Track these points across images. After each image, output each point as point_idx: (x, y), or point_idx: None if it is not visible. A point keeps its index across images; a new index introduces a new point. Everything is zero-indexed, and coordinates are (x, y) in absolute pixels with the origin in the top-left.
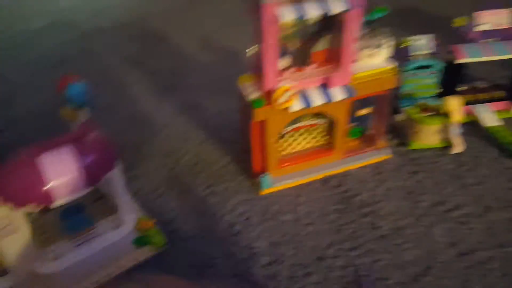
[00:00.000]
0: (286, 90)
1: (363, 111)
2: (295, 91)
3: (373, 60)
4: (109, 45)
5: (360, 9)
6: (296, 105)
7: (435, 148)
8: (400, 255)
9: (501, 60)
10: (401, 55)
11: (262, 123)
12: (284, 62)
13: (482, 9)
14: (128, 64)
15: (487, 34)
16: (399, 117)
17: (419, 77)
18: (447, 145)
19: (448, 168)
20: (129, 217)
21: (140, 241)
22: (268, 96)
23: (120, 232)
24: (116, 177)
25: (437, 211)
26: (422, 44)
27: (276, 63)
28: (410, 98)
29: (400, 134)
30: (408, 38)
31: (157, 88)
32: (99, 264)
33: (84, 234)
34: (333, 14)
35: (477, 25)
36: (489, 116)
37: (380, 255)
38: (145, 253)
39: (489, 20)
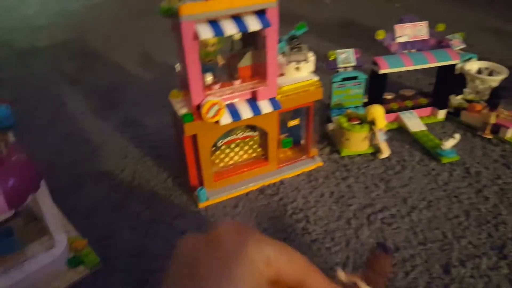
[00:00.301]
0: (214, 104)
1: (293, 122)
2: (223, 105)
3: (299, 73)
4: (47, 64)
5: (276, 27)
6: (225, 119)
7: (365, 154)
8: (329, 257)
9: (427, 68)
10: (330, 67)
11: (194, 137)
12: (211, 77)
13: (401, 22)
14: (67, 82)
15: (407, 45)
16: (331, 126)
17: (347, 87)
18: (376, 151)
19: (376, 173)
20: (60, 238)
21: (74, 261)
22: (197, 111)
23: (52, 253)
24: (43, 198)
25: (365, 214)
26: (345, 57)
27: (200, 78)
28: (340, 107)
29: (332, 142)
30: (334, 52)
31: (96, 106)
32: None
33: (14, 258)
34: (252, 31)
35: (398, 37)
36: (414, 122)
37: (311, 258)
38: (80, 273)
39: (408, 32)
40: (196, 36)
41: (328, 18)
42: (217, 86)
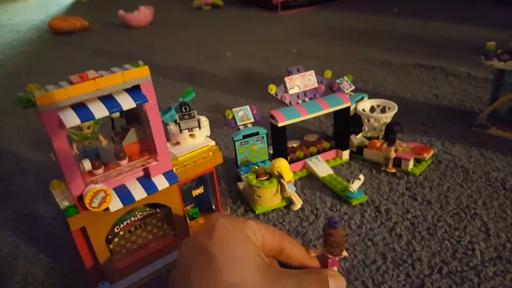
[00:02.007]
0: (97, 192)
1: (197, 191)
2: (109, 191)
3: (195, 140)
4: None
5: (154, 100)
6: (115, 204)
7: (279, 208)
8: None
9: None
10: (231, 126)
11: (84, 229)
12: (88, 164)
13: (290, 74)
14: None
15: (299, 95)
16: (241, 185)
17: (250, 144)
18: (289, 203)
19: (292, 227)
20: None
21: None
22: (81, 202)
23: None
24: None
25: None
26: (243, 114)
27: (76, 167)
28: (247, 164)
29: (246, 201)
30: (230, 111)
31: None
32: None
33: None
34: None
35: (289, 89)
36: (321, 167)
37: None
38: None
39: (298, 83)
40: (61, 125)
41: (230, 71)
42: (100, 171)
